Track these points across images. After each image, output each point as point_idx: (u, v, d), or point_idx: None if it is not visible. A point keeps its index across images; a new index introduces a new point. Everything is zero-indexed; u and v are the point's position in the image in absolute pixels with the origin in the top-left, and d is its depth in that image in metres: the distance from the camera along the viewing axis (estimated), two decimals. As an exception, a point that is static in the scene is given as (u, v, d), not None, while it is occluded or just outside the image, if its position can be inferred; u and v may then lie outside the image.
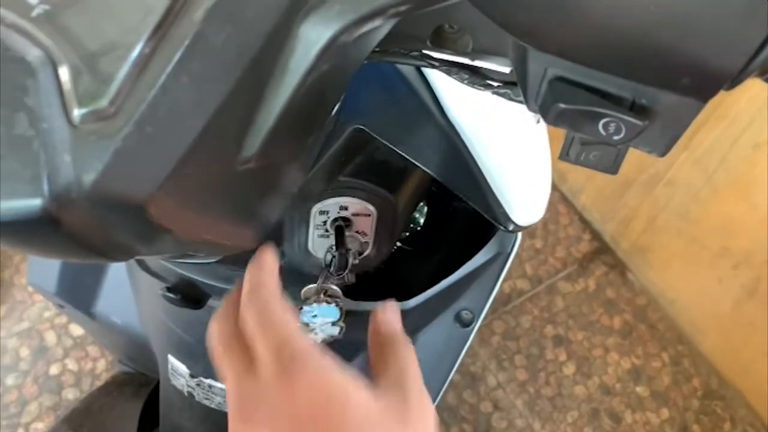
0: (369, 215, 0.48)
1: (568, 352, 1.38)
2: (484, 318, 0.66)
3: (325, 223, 0.48)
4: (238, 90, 0.23)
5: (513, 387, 1.32)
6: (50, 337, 1.23)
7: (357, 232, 0.49)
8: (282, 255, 0.51)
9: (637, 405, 1.34)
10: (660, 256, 1.44)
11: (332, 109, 0.34)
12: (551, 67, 0.27)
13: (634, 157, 0.30)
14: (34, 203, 0.20)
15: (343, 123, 0.40)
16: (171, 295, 0.51)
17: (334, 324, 0.48)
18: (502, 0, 0.25)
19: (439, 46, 0.31)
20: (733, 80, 0.24)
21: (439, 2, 0.26)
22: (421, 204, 0.68)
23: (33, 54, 0.20)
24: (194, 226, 0.28)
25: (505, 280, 1.51)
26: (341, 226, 0.47)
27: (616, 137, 0.27)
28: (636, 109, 0.26)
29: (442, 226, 0.68)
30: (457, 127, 0.41)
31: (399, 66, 0.41)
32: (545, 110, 0.28)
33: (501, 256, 0.59)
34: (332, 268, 0.46)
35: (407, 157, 0.42)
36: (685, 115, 0.26)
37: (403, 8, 0.24)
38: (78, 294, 0.73)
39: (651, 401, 1.35)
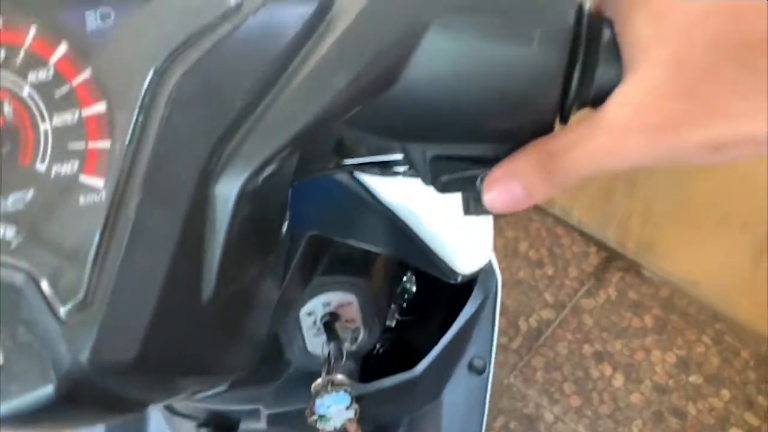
0: (351, 303, 0.53)
1: (612, 364, 1.39)
2: (496, 358, 0.70)
3: (315, 323, 0.53)
4: (179, 251, 0.28)
5: (571, 416, 1.33)
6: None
7: (346, 321, 0.54)
8: (289, 364, 0.56)
9: (696, 395, 1.33)
10: (667, 244, 1.47)
11: (277, 234, 0.39)
12: (427, 150, 0.33)
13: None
14: (48, 390, 0.26)
15: (298, 236, 0.46)
16: (204, 430, 0.56)
17: (348, 408, 0.53)
18: (377, 122, 0.31)
19: (344, 155, 0.37)
20: (561, 117, 0.30)
21: (317, 140, 0.32)
22: (409, 274, 0.73)
23: (18, 279, 0.26)
24: (190, 363, 0.33)
25: (529, 314, 1.52)
26: (329, 322, 0.52)
27: None
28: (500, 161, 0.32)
29: (433, 289, 0.73)
30: (392, 209, 0.47)
31: (330, 174, 0.47)
32: (435, 183, 0.34)
33: (489, 300, 0.63)
34: (332, 361, 0.51)
35: (359, 245, 0.48)
36: None
37: (286, 153, 0.30)
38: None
39: (708, 386, 1.34)
